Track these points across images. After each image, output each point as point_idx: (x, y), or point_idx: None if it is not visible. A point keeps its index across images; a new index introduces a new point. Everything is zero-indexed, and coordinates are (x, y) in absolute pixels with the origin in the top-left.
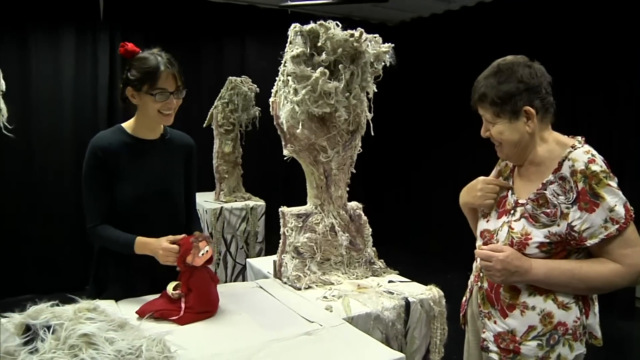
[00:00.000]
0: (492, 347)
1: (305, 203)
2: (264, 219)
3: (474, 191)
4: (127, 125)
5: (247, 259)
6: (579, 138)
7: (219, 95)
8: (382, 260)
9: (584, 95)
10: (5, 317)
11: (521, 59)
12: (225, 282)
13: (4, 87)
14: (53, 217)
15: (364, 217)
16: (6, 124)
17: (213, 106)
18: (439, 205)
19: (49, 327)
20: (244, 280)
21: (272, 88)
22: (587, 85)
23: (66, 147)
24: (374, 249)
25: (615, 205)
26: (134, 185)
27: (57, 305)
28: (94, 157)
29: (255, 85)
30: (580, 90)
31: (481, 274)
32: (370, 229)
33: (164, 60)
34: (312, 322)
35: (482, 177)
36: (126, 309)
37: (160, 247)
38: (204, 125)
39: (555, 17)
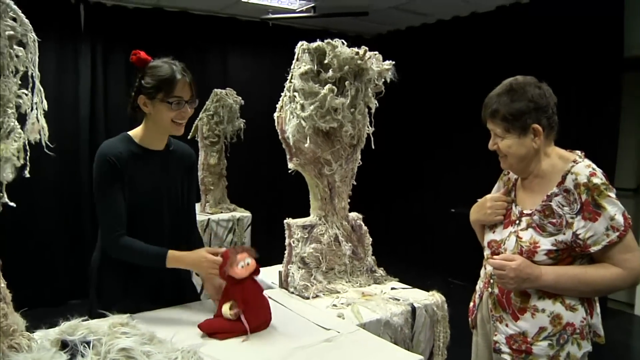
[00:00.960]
0: (505, 348)
1: (291, 212)
2: (250, 230)
3: (484, 209)
4: (135, 134)
5: None
6: (579, 152)
7: (204, 108)
8: (382, 269)
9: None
10: (33, 331)
11: (531, 79)
12: None
13: (46, 107)
14: (32, 230)
15: (364, 227)
16: (48, 142)
17: (198, 118)
18: (417, 216)
19: (87, 343)
20: None
21: (255, 100)
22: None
23: (47, 158)
24: (373, 257)
25: (615, 214)
26: (139, 196)
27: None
28: (107, 165)
29: (240, 98)
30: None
31: (491, 281)
32: (370, 239)
33: (178, 68)
34: (329, 329)
35: (489, 195)
36: (140, 323)
37: (204, 258)
38: (189, 137)
39: (530, 31)
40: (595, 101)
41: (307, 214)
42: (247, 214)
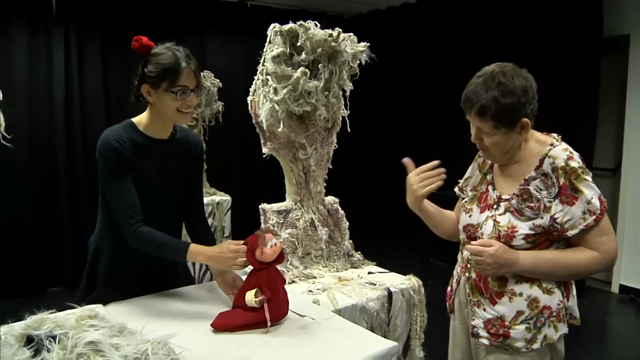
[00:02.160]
0: (482, 332)
1: (270, 196)
2: (230, 214)
3: (411, 188)
4: (138, 122)
5: None
6: (555, 135)
7: None
8: (359, 252)
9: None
10: None
11: (513, 68)
12: (195, 278)
13: (0, 97)
14: (6, 218)
15: (341, 211)
16: (5, 134)
17: None
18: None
19: (54, 337)
20: (212, 276)
21: (234, 83)
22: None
23: (22, 145)
24: (350, 241)
25: (592, 198)
26: (143, 187)
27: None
28: (113, 153)
29: (218, 80)
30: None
31: (468, 265)
32: (347, 223)
33: (182, 55)
34: (304, 316)
35: (412, 172)
36: (116, 313)
37: (228, 249)
38: None
39: (511, 11)
40: (575, 82)
41: (282, 198)
42: (227, 197)
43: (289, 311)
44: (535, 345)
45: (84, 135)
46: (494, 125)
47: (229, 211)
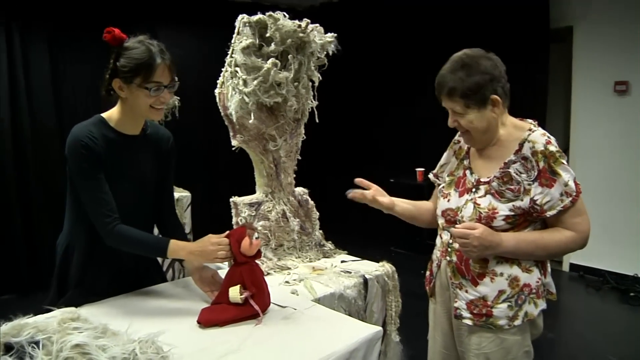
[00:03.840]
0: (465, 314)
1: (230, 190)
2: (190, 210)
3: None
4: (109, 117)
5: None
6: (530, 121)
7: None
8: (330, 242)
9: None
10: None
11: (480, 51)
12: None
13: None
14: None
15: (311, 202)
16: None
17: None
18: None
19: (36, 343)
20: (174, 273)
21: (190, 76)
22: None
23: None
24: (320, 231)
25: (569, 180)
26: (114, 184)
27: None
28: (85, 150)
29: None
30: None
31: (449, 249)
32: (318, 213)
33: (157, 50)
34: (285, 306)
35: (365, 193)
36: (93, 315)
37: (209, 242)
38: None
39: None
40: (525, 70)
41: (247, 192)
42: (186, 193)
43: (271, 303)
44: (517, 322)
45: (33, 133)
46: (464, 104)
47: (189, 207)
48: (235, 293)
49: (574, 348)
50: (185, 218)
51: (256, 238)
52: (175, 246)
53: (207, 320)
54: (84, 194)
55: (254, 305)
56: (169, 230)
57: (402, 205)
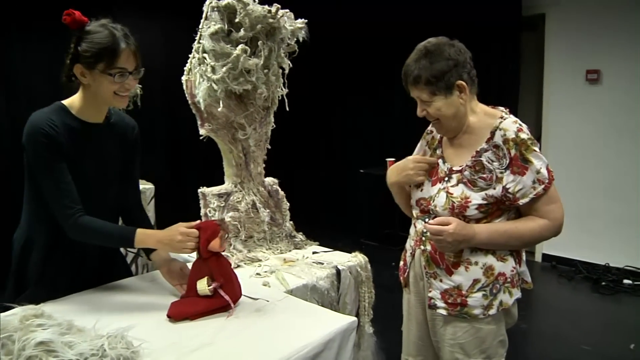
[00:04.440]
0: (440, 303)
1: (194, 183)
2: (153, 203)
3: (406, 170)
4: (70, 104)
5: None
6: (502, 109)
7: None
8: (301, 233)
9: None
10: None
11: (444, 39)
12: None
13: None
14: None
15: (281, 192)
16: None
17: None
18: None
19: None
20: (137, 269)
21: (151, 63)
22: None
23: None
24: (291, 222)
25: (541, 168)
26: (78, 175)
27: None
28: (46, 138)
29: None
30: None
31: (423, 238)
32: (288, 204)
33: (121, 34)
34: (257, 299)
35: (411, 157)
36: (57, 311)
37: (178, 231)
38: None
39: None
40: (497, 58)
41: (213, 183)
42: (150, 185)
43: (242, 296)
44: (492, 311)
45: None
46: (430, 91)
47: (153, 200)
48: (203, 285)
49: (547, 338)
50: (149, 211)
51: (226, 237)
52: (143, 235)
53: (177, 314)
54: (45, 184)
55: (224, 295)
56: (135, 223)
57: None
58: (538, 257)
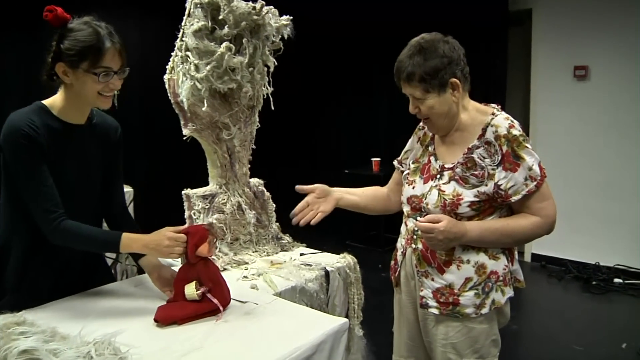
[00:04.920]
0: (432, 302)
1: (176, 186)
2: (132, 207)
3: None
4: (51, 105)
5: None
6: (494, 105)
7: None
8: (288, 235)
9: None
10: None
11: (437, 35)
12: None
13: None
14: None
15: (267, 193)
16: None
17: None
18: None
19: None
20: (116, 275)
21: (136, 61)
22: None
23: None
24: (277, 224)
25: (533, 164)
26: (60, 178)
27: None
28: (26, 140)
29: None
30: None
31: (414, 237)
32: (274, 205)
33: (105, 32)
34: (246, 302)
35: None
36: (40, 319)
37: (165, 236)
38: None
39: None
40: (484, 54)
41: (195, 185)
42: (129, 189)
43: (231, 299)
44: (484, 310)
45: None
46: (423, 88)
47: (132, 204)
48: (191, 290)
49: (538, 339)
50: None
51: (215, 241)
52: (128, 240)
53: (165, 318)
54: (25, 188)
55: (213, 299)
56: (121, 227)
57: (351, 199)
58: (527, 257)
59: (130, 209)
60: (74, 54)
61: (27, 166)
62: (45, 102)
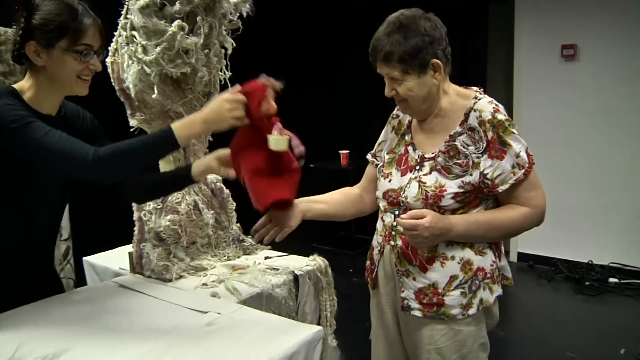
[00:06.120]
0: (414, 304)
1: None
2: (67, 210)
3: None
4: (21, 91)
5: (85, 258)
6: (476, 88)
7: None
8: (250, 236)
9: None
10: None
11: (418, 11)
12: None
13: None
14: None
15: (226, 191)
16: None
17: None
18: None
19: None
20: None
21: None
22: None
23: None
24: (238, 225)
25: (520, 151)
26: (26, 182)
27: None
28: (14, 98)
29: None
30: None
31: (393, 233)
32: (234, 204)
33: (81, 8)
34: (207, 312)
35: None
36: None
37: (224, 100)
38: None
39: None
40: (462, 35)
41: None
42: None
43: (188, 310)
44: (472, 311)
45: None
46: (402, 69)
47: (66, 206)
48: (282, 140)
49: (528, 346)
50: (62, 221)
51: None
52: (181, 127)
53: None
54: (38, 145)
55: (297, 144)
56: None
57: (319, 208)
58: (513, 257)
59: (65, 213)
60: (52, 29)
61: (28, 120)
62: (16, 85)
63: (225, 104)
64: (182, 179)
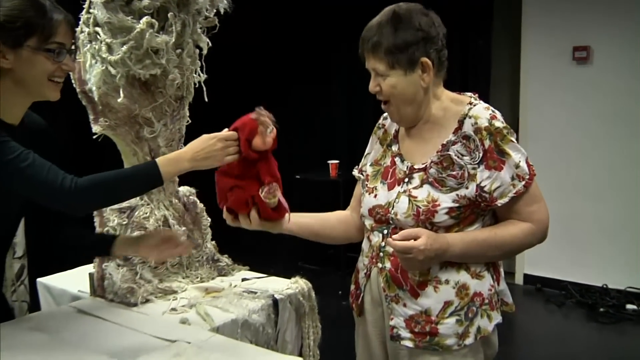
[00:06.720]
0: (404, 333)
1: None
2: (22, 224)
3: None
4: None
5: (39, 279)
6: (470, 94)
7: None
8: (226, 256)
9: None
10: None
11: (417, 6)
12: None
13: None
14: None
15: (200, 205)
16: None
17: None
18: None
19: None
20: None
21: None
22: None
23: None
24: (213, 242)
25: (520, 161)
26: None
27: None
28: None
29: None
30: None
31: (381, 254)
32: (209, 219)
33: (49, 1)
34: (175, 340)
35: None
36: None
37: (214, 139)
38: None
39: None
40: (464, 35)
41: None
42: None
43: (154, 338)
44: (468, 341)
45: None
46: (388, 62)
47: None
48: (272, 194)
49: None
50: (17, 236)
51: (272, 130)
52: (167, 162)
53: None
54: (7, 170)
55: (283, 202)
56: (61, 241)
57: (303, 222)
58: (519, 279)
59: (20, 229)
60: (18, 26)
61: (17, 146)
62: None
63: (217, 144)
64: (100, 247)
